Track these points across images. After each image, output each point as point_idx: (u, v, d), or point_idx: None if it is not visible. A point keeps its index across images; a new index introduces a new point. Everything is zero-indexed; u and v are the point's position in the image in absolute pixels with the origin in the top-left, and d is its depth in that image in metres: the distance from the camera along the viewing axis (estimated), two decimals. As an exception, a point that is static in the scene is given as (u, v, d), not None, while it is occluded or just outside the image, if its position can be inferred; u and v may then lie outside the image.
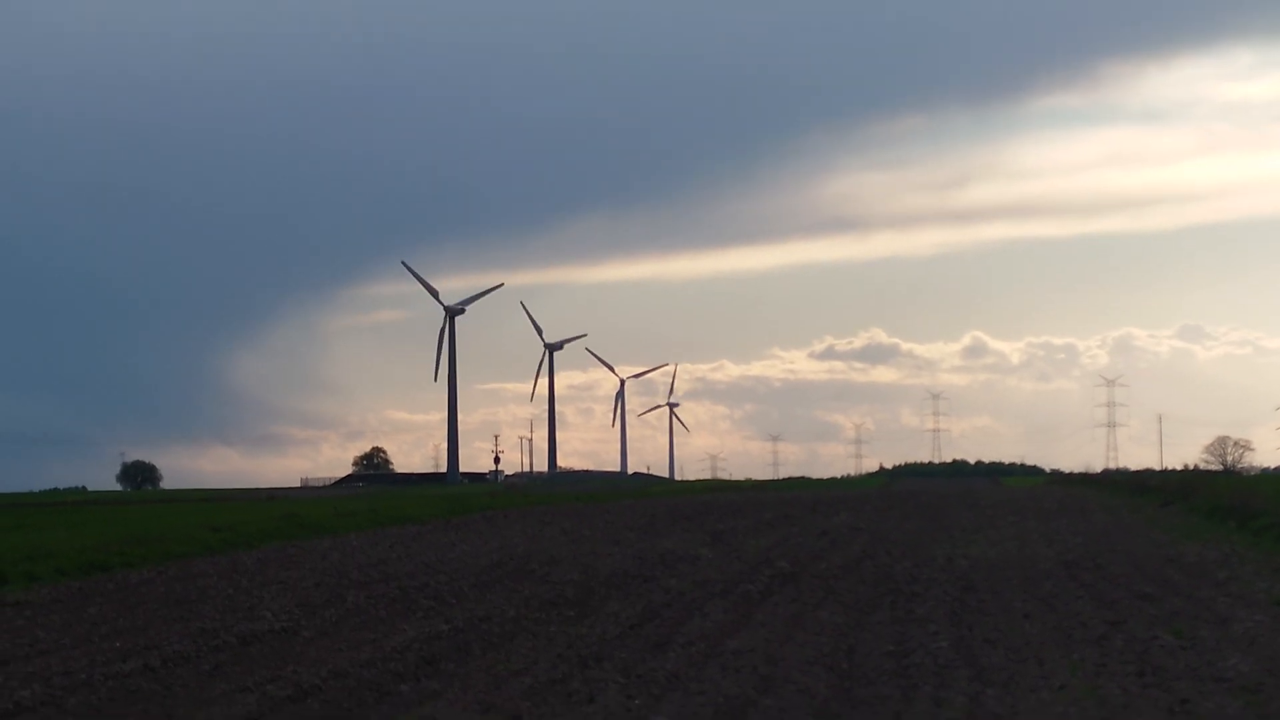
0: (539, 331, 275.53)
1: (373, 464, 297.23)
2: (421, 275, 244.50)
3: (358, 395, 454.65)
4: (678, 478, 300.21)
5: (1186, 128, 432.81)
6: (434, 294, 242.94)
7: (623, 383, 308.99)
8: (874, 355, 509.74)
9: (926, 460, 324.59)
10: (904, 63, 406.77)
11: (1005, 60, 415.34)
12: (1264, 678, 22.70)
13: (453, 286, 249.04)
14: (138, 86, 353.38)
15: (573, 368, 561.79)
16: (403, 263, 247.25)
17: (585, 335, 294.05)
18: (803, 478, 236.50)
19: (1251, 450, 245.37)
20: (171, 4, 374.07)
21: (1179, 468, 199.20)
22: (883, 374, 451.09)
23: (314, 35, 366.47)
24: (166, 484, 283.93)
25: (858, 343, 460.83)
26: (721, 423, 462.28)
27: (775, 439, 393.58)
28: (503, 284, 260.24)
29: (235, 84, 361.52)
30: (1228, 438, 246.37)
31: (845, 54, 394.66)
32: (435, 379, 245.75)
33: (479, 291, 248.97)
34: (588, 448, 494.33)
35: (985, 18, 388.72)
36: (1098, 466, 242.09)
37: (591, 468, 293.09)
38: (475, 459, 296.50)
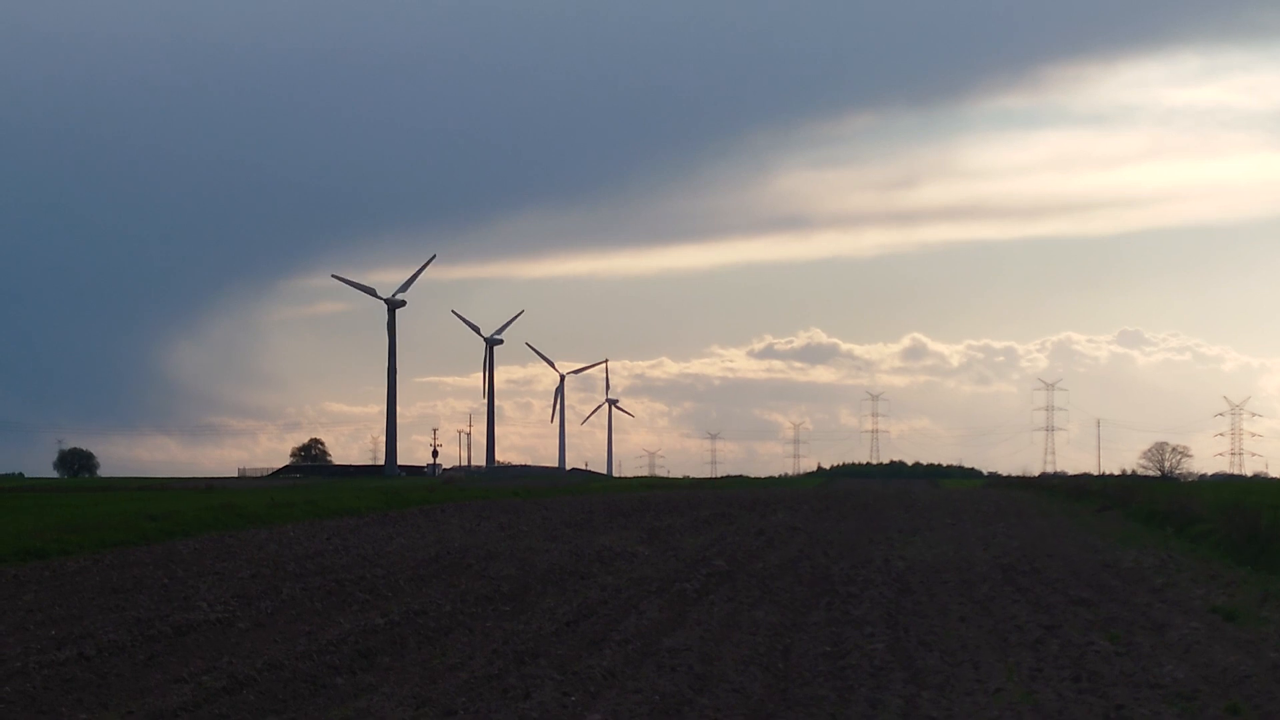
0: (475, 329, 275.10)
1: (310, 455, 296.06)
2: (355, 281, 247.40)
3: (296, 387, 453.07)
4: (616, 474, 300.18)
5: (1132, 131, 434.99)
6: (371, 292, 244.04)
7: (562, 378, 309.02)
8: (813, 355, 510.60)
9: (865, 461, 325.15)
10: (850, 61, 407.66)
11: (951, 60, 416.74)
12: (1200, 685, 22.84)
13: (392, 279, 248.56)
14: (77, 83, 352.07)
15: (512, 362, 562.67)
16: (333, 275, 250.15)
17: (522, 311, 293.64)
18: (740, 476, 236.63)
19: (1189, 457, 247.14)
20: (120, 7, 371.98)
21: (1117, 473, 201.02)
22: (822, 374, 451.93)
23: (253, 41, 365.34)
24: (104, 472, 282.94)
25: (797, 342, 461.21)
26: (660, 420, 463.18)
27: (714, 437, 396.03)
28: (435, 255, 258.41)
29: (177, 85, 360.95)
30: (1165, 444, 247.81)
31: (790, 51, 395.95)
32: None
33: (414, 273, 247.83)
34: (526, 443, 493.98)
35: (932, 17, 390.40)
36: (1036, 470, 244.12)
37: (530, 463, 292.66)
38: (413, 452, 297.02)
